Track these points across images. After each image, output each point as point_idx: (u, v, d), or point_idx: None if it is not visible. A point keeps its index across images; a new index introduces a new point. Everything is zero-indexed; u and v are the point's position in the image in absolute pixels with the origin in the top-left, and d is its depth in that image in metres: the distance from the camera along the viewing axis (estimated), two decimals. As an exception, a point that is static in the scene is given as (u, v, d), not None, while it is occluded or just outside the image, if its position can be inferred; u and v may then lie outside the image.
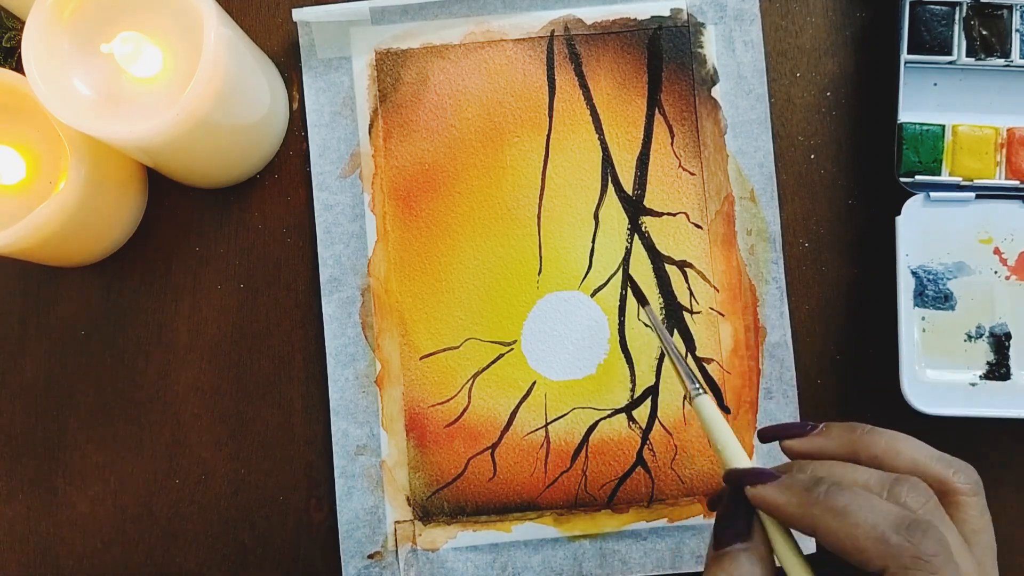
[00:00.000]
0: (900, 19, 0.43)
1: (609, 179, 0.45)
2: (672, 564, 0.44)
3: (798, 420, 0.44)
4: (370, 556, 0.44)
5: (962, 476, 0.29)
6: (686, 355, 0.45)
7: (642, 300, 0.43)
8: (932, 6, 0.43)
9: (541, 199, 0.45)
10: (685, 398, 0.36)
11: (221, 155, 0.43)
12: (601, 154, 0.45)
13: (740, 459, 0.31)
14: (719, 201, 0.45)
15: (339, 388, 0.45)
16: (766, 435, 0.33)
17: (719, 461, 0.32)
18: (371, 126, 0.46)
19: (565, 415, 0.45)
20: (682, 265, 0.45)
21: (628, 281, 0.44)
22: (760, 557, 0.29)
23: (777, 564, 0.30)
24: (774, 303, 0.45)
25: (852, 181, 0.46)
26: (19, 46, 0.42)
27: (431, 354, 0.45)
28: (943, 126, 0.44)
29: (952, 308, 0.44)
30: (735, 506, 0.30)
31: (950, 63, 0.43)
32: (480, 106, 0.46)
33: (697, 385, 0.35)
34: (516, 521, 0.45)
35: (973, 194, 0.44)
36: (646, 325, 0.44)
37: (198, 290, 0.46)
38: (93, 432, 0.46)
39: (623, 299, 0.45)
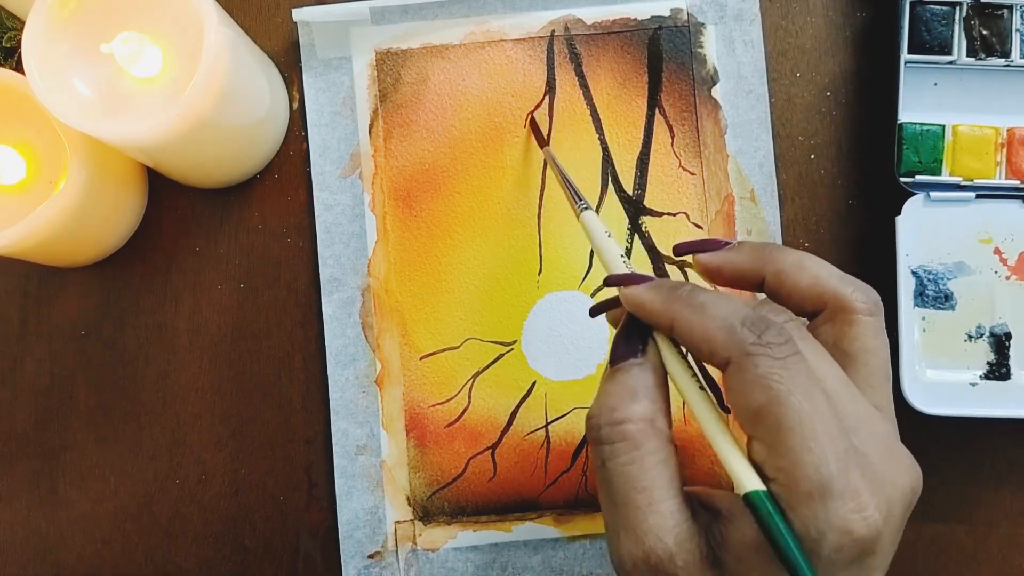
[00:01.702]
0: (900, 19, 0.43)
1: (609, 179, 0.45)
2: (672, 564, 0.44)
3: None
4: (370, 556, 0.44)
5: (860, 295, 0.30)
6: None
7: (542, 141, 0.44)
8: (932, 6, 0.43)
9: (541, 199, 0.45)
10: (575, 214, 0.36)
11: (221, 155, 0.43)
12: (601, 154, 0.45)
13: (621, 269, 0.33)
14: (719, 201, 0.45)
15: (339, 388, 0.45)
16: (680, 249, 0.34)
17: (606, 271, 0.33)
18: (371, 126, 0.46)
19: (565, 415, 0.45)
20: (682, 265, 0.45)
21: (530, 121, 0.45)
22: (653, 369, 0.29)
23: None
24: (774, 303, 0.45)
25: (852, 181, 0.46)
26: (19, 46, 0.42)
27: (431, 354, 0.45)
28: (943, 126, 0.44)
29: (952, 308, 0.44)
30: (630, 328, 0.30)
31: (950, 63, 0.43)
32: (480, 106, 0.46)
33: (583, 201, 0.36)
34: (516, 521, 0.45)
35: (973, 194, 0.44)
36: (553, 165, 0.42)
37: (198, 290, 0.46)
38: (93, 432, 0.46)
39: (623, 299, 0.45)
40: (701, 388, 0.29)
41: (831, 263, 0.45)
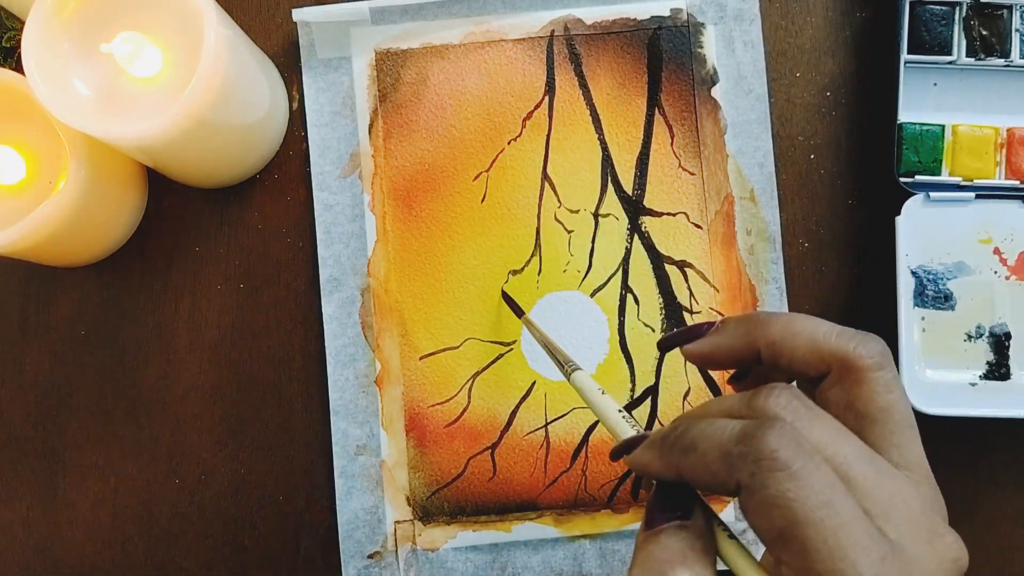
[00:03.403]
0: (900, 19, 0.43)
1: (609, 179, 0.45)
2: (672, 564, 0.44)
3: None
4: (370, 556, 0.44)
5: (864, 349, 0.27)
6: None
7: (518, 312, 0.43)
8: (932, 6, 0.43)
9: (541, 199, 0.45)
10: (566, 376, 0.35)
11: (221, 155, 0.43)
12: (601, 154, 0.45)
13: (624, 431, 0.30)
14: (719, 201, 0.45)
15: (339, 388, 0.45)
16: (665, 344, 0.32)
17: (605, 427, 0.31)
18: (371, 126, 0.46)
19: (565, 415, 0.45)
20: (682, 265, 0.45)
21: (505, 297, 0.45)
22: (698, 532, 0.27)
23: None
24: (774, 303, 0.45)
25: (852, 181, 0.46)
26: (19, 46, 0.42)
27: (431, 354, 0.45)
28: (943, 126, 0.44)
29: (952, 308, 0.44)
30: (667, 488, 0.28)
31: (950, 63, 0.43)
32: (480, 106, 0.46)
33: (572, 362, 0.34)
34: (516, 521, 0.45)
35: (973, 194, 0.44)
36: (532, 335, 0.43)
37: (198, 290, 0.46)
38: (93, 432, 0.46)
39: (623, 299, 0.45)
40: (742, 543, 0.27)
41: (831, 263, 0.46)
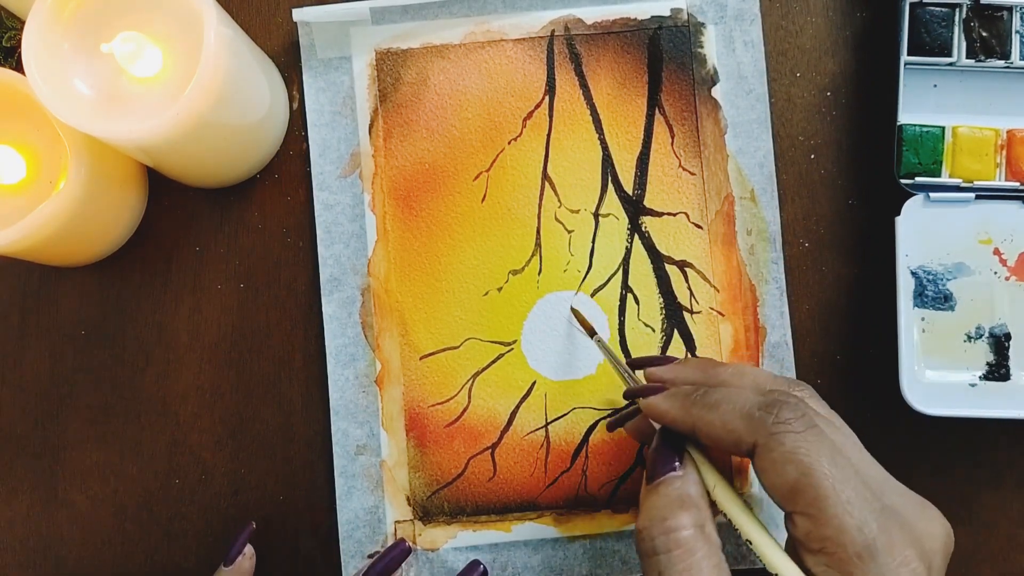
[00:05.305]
0: (900, 20, 0.43)
1: (609, 179, 0.45)
2: (672, 564, 0.44)
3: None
4: (370, 556, 0.44)
5: (797, 389, 0.33)
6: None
7: (590, 332, 0.44)
8: (932, 7, 0.43)
9: (541, 199, 0.45)
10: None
11: (221, 155, 0.43)
12: (601, 154, 0.45)
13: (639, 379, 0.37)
14: (719, 201, 0.45)
15: (339, 388, 0.45)
16: (635, 365, 0.39)
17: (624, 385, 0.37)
18: (371, 126, 0.46)
19: (565, 415, 0.45)
20: (682, 265, 0.45)
21: (574, 314, 0.45)
22: (693, 480, 0.31)
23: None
24: (774, 303, 0.45)
25: (852, 181, 0.46)
26: (19, 46, 0.42)
27: (431, 354, 0.45)
28: (943, 128, 0.44)
29: (952, 309, 0.44)
30: (665, 444, 0.33)
31: (950, 64, 0.43)
32: (480, 106, 0.46)
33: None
34: (516, 521, 0.45)
35: (973, 194, 0.44)
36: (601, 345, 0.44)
37: (198, 290, 0.46)
38: (93, 432, 0.46)
39: (623, 299, 0.45)
40: (739, 494, 0.31)
41: (831, 263, 0.46)
